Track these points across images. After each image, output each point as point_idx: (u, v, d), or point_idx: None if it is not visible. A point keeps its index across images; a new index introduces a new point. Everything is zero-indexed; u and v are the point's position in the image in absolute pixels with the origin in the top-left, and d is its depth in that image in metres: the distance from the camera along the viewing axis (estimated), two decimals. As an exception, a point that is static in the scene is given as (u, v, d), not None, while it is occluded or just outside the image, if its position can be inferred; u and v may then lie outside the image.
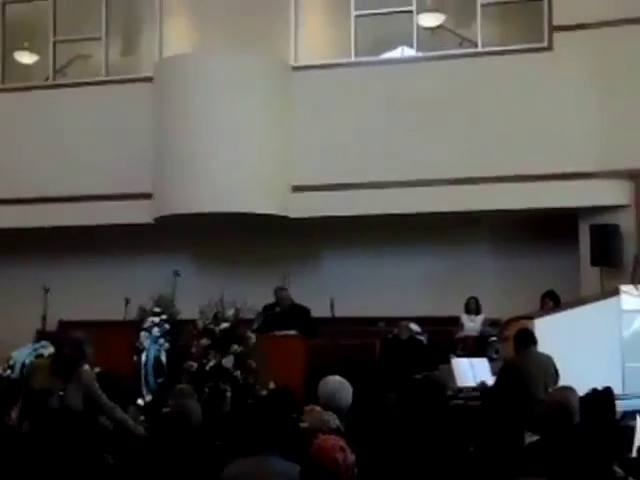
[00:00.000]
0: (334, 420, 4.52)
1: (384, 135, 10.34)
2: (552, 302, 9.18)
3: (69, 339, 5.30)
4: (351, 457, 3.39)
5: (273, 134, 10.54)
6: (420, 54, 10.72)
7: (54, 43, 11.54)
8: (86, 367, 5.51)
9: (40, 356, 7.45)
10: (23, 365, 7.41)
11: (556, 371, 6.99)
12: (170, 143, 10.50)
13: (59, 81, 11.59)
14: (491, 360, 8.37)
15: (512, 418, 6.41)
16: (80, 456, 4.05)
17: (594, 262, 9.61)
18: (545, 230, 10.33)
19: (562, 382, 6.50)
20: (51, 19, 11.54)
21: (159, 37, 11.30)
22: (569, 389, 4.98)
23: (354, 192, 10.30)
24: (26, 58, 11.97)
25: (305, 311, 9.36)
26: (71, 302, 10.84)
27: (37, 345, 7.74)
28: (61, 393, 5.04)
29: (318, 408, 4.96)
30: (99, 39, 11.40)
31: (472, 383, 7.90)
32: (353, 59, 10.75)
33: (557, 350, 7.17)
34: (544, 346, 7.19)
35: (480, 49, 10.43)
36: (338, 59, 10.88)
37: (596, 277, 9.66)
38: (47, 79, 11.68)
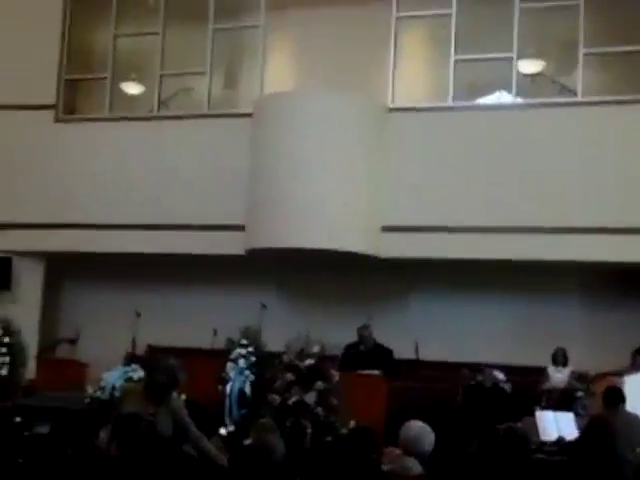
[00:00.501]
0: (416, 466, 4.53)
1: (477, 180, 10.32)
2: (643, 360, 8.95)
3: (164, 365, 5.35)
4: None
5: (367, 173, 10.64)
6: (518, 100, 10.69)
7: (160, 76, 11.96)
8: (174, 394, 5.59)
9: (130, 379, 7.65)
10: (113, 387, 7.63)
11: (645, 432, 6.81)
12: (265, 178, 10.71)
13: (163, 113, 11.98)
14: (577, 415, 8.20)
15: (597, 477, 6.27)
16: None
17: (689, 320, 9.35)
18: (638, 285, 10.09)
19: (650, 444, 6.33)
20: (159, 52, 11.96)
21: (261, 73, 11.55)
22: (658, 452, 4.87)
23: (444, 235, 10.29)
24: (133, 89, 12.42)
25: (388, 352, 9.36)
26: (160, 328, 11.08)
27: (128, 368, 7.93)
28: (151, 418, 5.13)
29: (398, 451, 4.96)
30: (203, 73, 11.74)
31: (556, 437, 7.75)
32: (450, 103, 10.79)
33: (646, 410, 6.99)
34: (633, 405, 7.01)
35: (580, 98, 10.32)
36: (435, 102, 10.95)
37: (690, 336, 9.39)
38: (152, 110, 12.08)
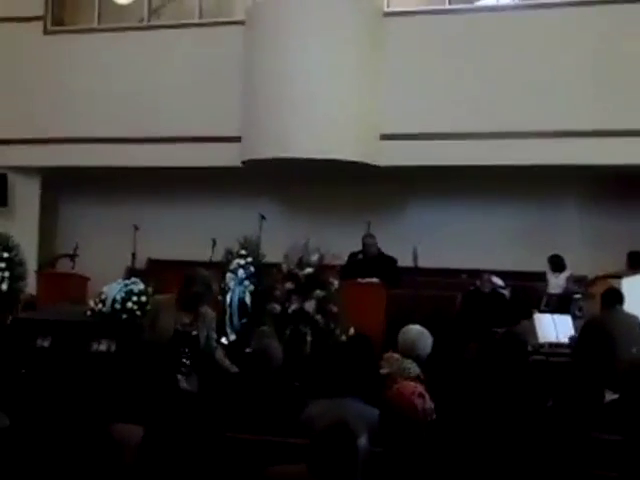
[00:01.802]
0: (414, 368, 4.57)
1: (476, 85, 10.16)
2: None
3: (198, 276, 5.46)
4: (430, 404, 3.45)
5: (363, 80, 10.47)
6: (516, 2, 10.44)
7: (150, -16, 11.67)
8: (207, 308, 5.65)
9: (131, 292, 7.71)
10: (114, 300, 7.69)
11: (642, 332, 6.85)
12: (260, 87, 10.55)
13: (153, 22, 11.73)
14: (574, 317, 8.26)
15: (593, 376, 6.35)
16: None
17: (688, 223, 9.34)
18: (637, 188, 10.05)
19: (647, 343, 6.38)
20: (148, -40, 11.64)
21: (253, -21, 11.26)
22: (654, 350, 4.91)
23: (442, 142, 10.18)
24: (122, -1, 12.14)
25: (392, 261, 9.31)
26: (159, 241, 11.11)
27: (128, 281, 7.96)
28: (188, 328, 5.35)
29: (397, 355, 5.00)
30: (194, -19, 11.46)
31: (554, 339, 7.83)
32: (447, 6, 10.55)
33: (644, 311, 7.01)
34: (631, 306, 7.05)
35: (580, -3, 10.09)
36: (431, 5, 10.70)
37: (688, 239, 9.40)
38: (141, 20, 11.82)
